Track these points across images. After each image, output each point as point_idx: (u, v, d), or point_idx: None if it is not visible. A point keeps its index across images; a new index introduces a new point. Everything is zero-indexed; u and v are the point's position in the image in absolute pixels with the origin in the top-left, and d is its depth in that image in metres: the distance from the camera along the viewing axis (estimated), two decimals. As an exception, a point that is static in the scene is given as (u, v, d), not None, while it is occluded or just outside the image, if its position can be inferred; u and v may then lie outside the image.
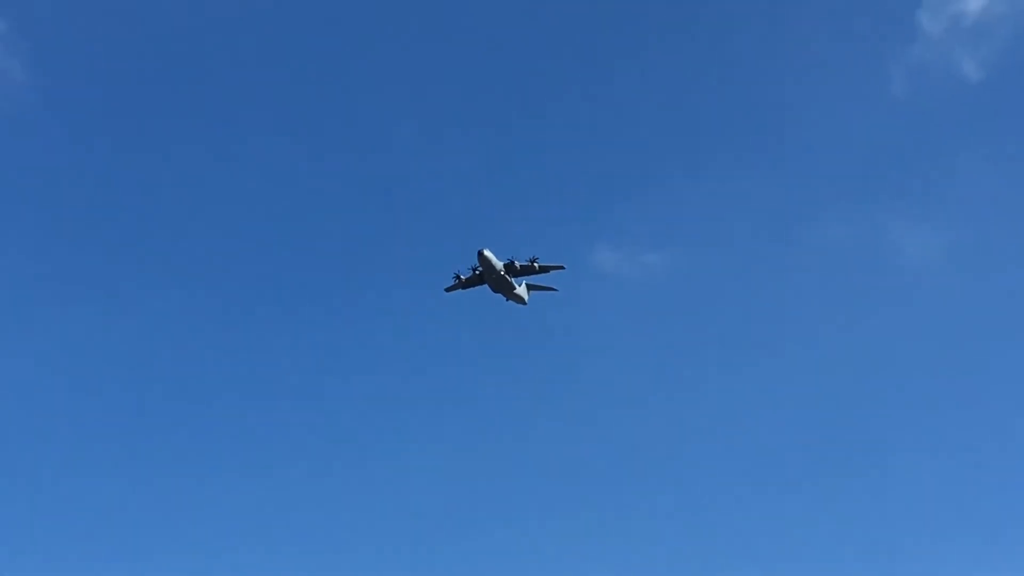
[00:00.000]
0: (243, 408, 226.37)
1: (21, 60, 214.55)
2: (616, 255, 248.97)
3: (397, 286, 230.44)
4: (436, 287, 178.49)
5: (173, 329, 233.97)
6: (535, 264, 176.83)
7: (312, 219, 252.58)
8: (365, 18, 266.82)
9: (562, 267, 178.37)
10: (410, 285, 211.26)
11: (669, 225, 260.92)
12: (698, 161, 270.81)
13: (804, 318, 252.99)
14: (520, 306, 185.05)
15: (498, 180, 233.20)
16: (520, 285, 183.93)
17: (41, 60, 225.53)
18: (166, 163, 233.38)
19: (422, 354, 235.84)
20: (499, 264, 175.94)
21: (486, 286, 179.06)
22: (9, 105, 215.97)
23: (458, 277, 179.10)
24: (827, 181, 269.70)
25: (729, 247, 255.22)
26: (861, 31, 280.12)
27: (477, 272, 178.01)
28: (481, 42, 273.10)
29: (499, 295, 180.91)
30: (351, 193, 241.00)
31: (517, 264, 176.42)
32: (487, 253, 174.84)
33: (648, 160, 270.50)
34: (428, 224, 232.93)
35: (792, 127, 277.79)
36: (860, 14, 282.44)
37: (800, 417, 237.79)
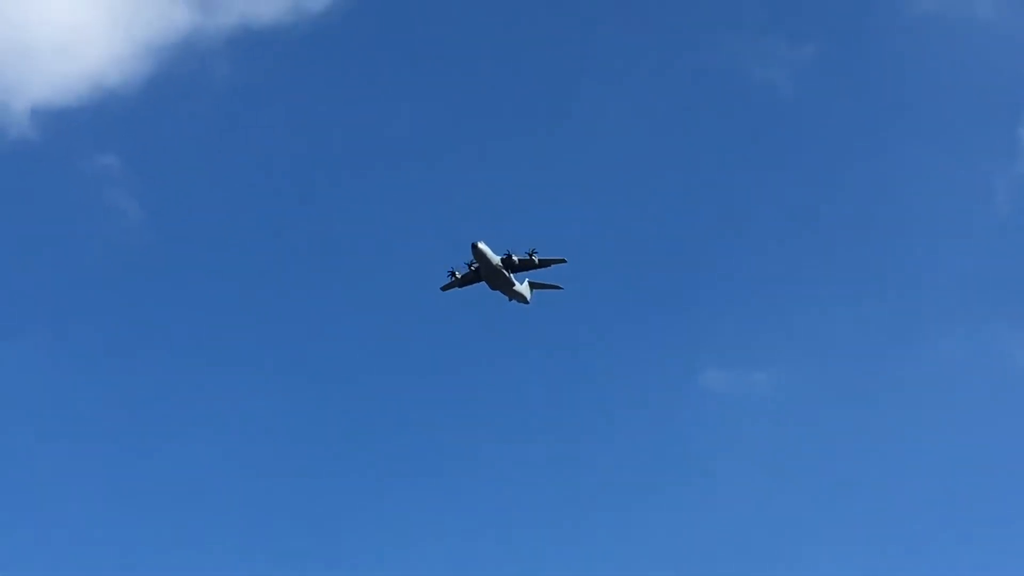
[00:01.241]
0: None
1: (136, 197, 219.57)
2: (723, 374, 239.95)
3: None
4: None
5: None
6: (534, 257, 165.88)
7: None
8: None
9: (563, 260, 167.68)
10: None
11: (777, 343, 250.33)
12: (804, 278, 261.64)
13: (918, 433, 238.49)
14: (523, 305, 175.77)
15: (596, 296, 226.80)
16: (522, 283, 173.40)
17: (155, 197, 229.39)
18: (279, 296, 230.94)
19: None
20: (495, 258, 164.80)
21: (484, 283, 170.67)
22: (125, 242, 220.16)
23: (453, 274, 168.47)
24: (936, 296, 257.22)
25: (838, 364, 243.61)
26: (962, 148, 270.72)
27: (473, 268, 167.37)
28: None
29: (499, 293, 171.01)
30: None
31: (515, 258, 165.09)
32: (482, 246, 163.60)
33: (754, 278, 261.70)
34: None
35: (897, 243, 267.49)
36: (960, 131, 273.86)
37: (912, 538, 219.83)
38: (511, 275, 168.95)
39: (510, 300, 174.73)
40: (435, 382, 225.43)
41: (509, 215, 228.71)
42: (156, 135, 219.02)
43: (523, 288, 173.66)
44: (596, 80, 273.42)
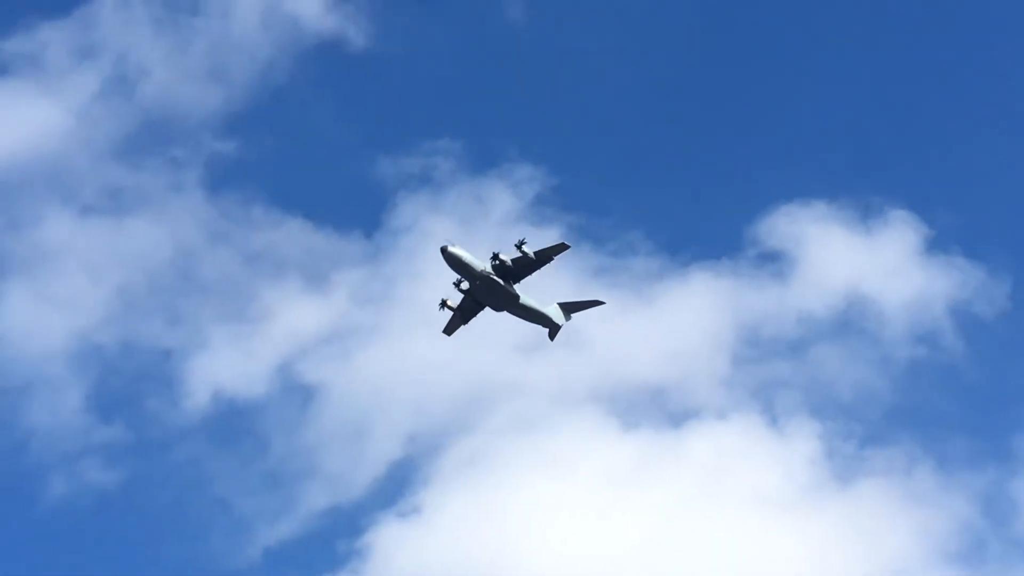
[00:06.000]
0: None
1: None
2: None
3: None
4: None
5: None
6: (525, 250, 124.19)
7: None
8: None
9: (566, 246, 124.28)
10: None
11: None
12: None
13: None
14: (557, 330, 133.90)
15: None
16: (550, 305, 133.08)
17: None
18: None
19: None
20: (480, 265, 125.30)
21: (488, 308, 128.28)
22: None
23: (445, 304, 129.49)
24: None
25: None
26: None
27: (463, 288, 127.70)
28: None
29: (508, 315, 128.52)
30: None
31: (505, 258, 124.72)
32: (454, 250, 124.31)
33: None
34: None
35: None
36: None
37: None
38: (511, 286, 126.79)
39: (550, 337, 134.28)
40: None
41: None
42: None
43: (550, 309, 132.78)
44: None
